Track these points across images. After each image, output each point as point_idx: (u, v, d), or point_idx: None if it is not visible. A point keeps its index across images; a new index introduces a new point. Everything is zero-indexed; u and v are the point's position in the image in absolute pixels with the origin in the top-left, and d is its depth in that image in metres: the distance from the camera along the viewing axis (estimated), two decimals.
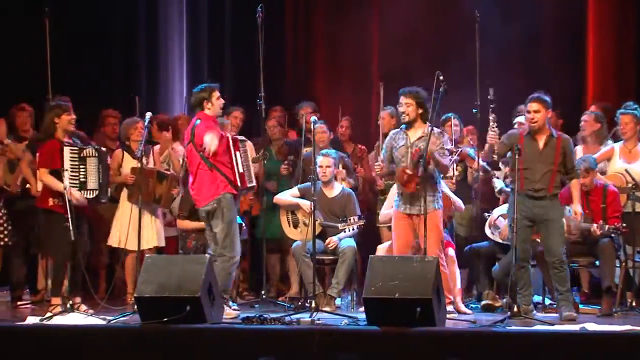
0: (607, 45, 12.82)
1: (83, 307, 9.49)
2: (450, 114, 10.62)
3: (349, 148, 11.60)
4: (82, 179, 9.70)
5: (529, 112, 9.36)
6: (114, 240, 10.63)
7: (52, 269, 9.94)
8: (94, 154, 9.78)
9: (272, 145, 11.53)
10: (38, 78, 10.80)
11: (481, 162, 10.37)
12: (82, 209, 9.70)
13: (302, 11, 13.70)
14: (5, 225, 10.69)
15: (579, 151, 10.46)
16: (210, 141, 9.15)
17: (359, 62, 13.27)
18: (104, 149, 10.05)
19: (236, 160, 9.45)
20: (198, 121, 9.36)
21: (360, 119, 12.31)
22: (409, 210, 9.37)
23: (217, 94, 9.44)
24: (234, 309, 9.49)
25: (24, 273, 10.96)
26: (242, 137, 9.89)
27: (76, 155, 9.71)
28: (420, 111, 9.37)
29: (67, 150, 9.63)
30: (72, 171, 9.59)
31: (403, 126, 9.49)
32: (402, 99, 9.43)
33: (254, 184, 9.86)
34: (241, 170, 9.47)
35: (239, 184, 9.43)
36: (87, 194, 9.67)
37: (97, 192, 9.72)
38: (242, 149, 9.60)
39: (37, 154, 9.80)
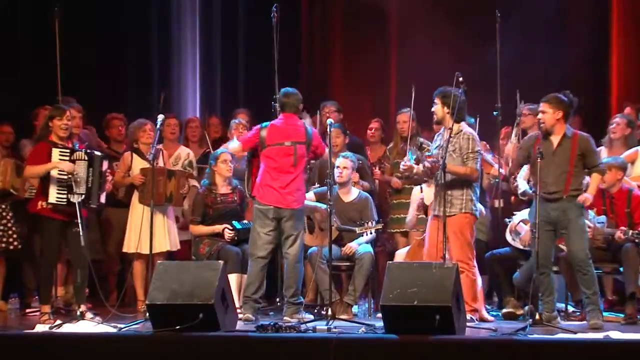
0: (631, 42, 12.68)
1: (89, 315, 9.31)
2: None
3: (379, 151, 11.33)
4: (69, 183, 9.39)
5: (538, 112, 9.24)
6: (128, 246, 10.39)
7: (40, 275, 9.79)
8: (83, 157, 9.52)
9: None
10: (48, 79, 10.69)
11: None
12: (87, 216, 9.61)
13: (318, 11, 13.55)
14: (14, 229, 10.53)
15: (603, 153, 10.28)
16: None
17: (377, 62, 13.10)
18: (98, 153, 9.78)
19: None
20: (310, 129, 9.63)
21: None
22: (436, 212, 9.29)
23: None
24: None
25: (34, 279, 10.80)
26: None
27: (67, 158, 9.46)
28: (447, 110, 9.29)
29: (56, 152, 9.44)
30: (59, 173, 9.38)
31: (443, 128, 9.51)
32: (434, 99, 9.41)
33: None
34: None
35: None
36: (73, 198, 9.40)
37: (83, 196, 9.42)
38: None
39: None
